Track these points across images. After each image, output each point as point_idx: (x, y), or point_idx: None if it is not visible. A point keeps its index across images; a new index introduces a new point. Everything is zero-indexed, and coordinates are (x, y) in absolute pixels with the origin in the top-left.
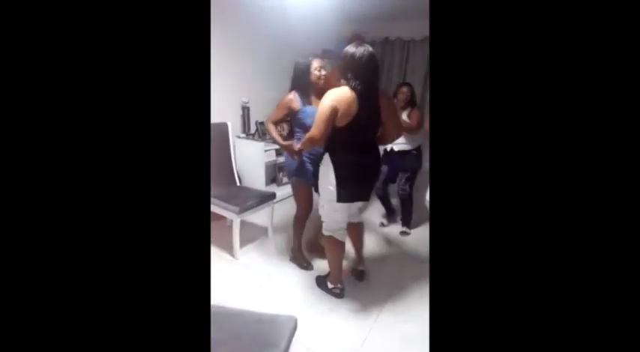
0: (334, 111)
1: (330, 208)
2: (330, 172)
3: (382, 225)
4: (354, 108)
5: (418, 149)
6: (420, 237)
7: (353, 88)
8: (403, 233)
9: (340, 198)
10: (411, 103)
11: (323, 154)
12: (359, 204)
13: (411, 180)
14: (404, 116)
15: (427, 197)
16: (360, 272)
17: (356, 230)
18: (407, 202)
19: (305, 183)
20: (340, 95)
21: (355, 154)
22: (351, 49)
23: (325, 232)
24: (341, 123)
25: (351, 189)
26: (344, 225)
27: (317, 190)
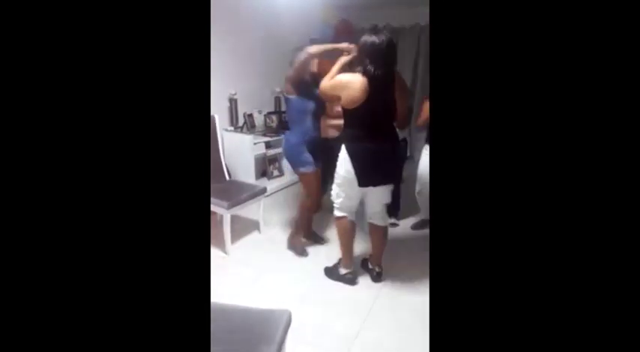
0: (338, 86)
1: (346, 189)
2: (346, 160)
3: (394, 225)
4: (364, 94)
5: (404, 140)
6: (408, 228)
7: (367, 75)
8: (393, 224)
9: (361, 183)
10: None
11: (329, 142)
12: (383, 196)
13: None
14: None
15: (417, 188)
16: (377, 274)
17: (377, 232)
18: (398, 194)
19: (313, 172)
20: (351, 78)
21: (368, 139)
22: (370, 38)
23: (337, 212)
24: (350, 105)
25: (370, 174)
26: (355, 207)
27: (324, 177)
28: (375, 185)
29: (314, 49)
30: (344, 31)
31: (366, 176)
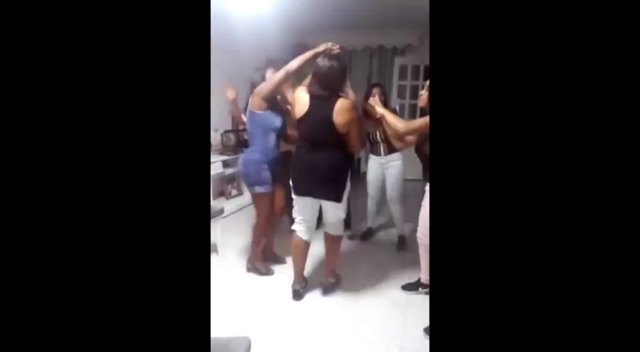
0: (294, 97)
1: (297, 203)
2: (291, 168)
3: (354, 236)
4: (304, 108)
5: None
6: (368, 242)
7: (310, 92)
8: (353, 236)
9: (295, 191)
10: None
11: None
12: (336, 211)
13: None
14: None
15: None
16: (332, 285)
17: (332, 242)
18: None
19: (268, 193)
20: (300, 93)
21: (305, 150)
22: (320, 60)
23: (294, 227)
24: (296, 115)
25: (303, 183)
26: (308, 224)
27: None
28: (308, 195)
29: (294, 65)
30: (301, 54)
31: (298, 184)
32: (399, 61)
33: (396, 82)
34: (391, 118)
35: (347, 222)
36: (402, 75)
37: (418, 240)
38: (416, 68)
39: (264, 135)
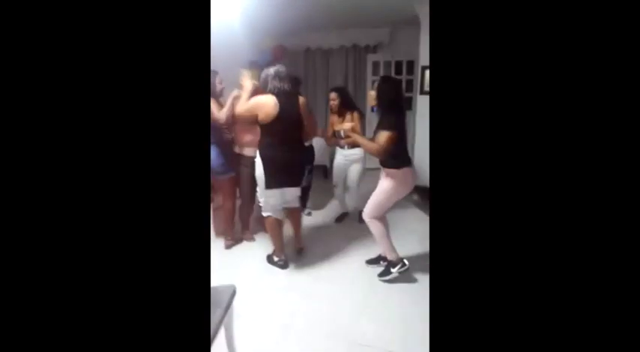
0: (251, 111)
1: (265, 194)
2: (259, 164)
3: (309, 214)
4: (275, 110)
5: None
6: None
7: (275, 95)
8: (309, 214)
9: (267, 185)
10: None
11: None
12: (295, 191)
13: (311, 171)
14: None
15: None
16: (299, 249)
17: (294, 214)
18: (308, 189)
19: (228, 177)
20: (262, 99)
21: (278, 148)
22: (272, 67)
23: (264, 213)
24: (265, 120)
25: (277, 178)
26: (279, 207)
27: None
28: (278, 187)
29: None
30: (280, 54)
31: (271, 178)
32: (371, 58)
33: (369, 77)
34: (365, 143)
35: (303, 202)
36: (375, 70)
37: (365, 220)
38: (387, 64)
39: (215, 131)
